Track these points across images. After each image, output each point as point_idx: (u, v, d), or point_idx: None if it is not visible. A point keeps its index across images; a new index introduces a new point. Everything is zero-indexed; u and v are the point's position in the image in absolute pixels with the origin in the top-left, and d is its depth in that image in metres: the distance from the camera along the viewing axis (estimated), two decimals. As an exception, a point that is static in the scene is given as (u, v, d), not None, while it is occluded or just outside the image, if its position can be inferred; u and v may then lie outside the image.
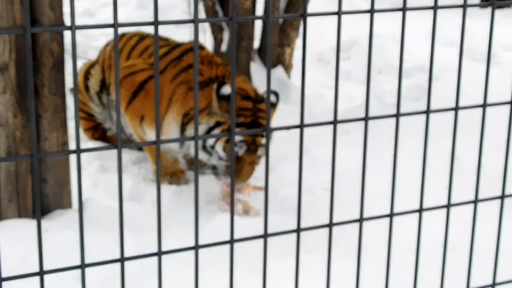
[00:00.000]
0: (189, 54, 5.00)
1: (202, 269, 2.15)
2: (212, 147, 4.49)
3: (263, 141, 4.45)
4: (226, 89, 4.38)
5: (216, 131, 4.45)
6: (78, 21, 9.71)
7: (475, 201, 2.44)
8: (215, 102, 4.43)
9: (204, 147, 4.53)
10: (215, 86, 4.43)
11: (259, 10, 7.65)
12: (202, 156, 4.60)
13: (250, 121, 4.45)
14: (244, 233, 2.39)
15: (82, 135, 5.84)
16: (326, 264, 2.24)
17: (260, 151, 4.49)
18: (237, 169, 4.48)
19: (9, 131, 3.74)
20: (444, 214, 2.40)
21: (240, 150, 4.45)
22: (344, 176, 4.63)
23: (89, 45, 8.82)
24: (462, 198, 2.53)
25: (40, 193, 3.97)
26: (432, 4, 2.11)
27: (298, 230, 2.13)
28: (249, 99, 4.51)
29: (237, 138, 4.41)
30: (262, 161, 4.62)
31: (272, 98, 4.60)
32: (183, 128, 4.67)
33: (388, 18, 6.09)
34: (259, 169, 4.63)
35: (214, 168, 4.63)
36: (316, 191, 4.75)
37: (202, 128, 4.49)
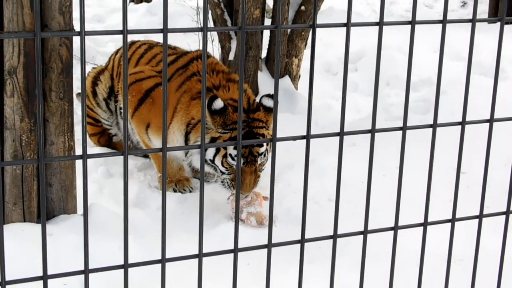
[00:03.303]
0: (195, 62, 4.99)
1: (205, 277, 2.15)
2: (212, 161, 4.48)
3: (261, 149, 4.42)
4: (218, 104, 4.32)
5: (212, 148, 4.42)
6: (87, 27, 9.73)
7: (480, 216, 2.44)
8: (208, 118, 4.36)
9: (206, 161, 4.51)
10: (206, 101, 4.34)
11: (267, 20, 7.66)
12: (207, 169, 4.60)
13: (245, 133, 4.39)
14: (249, 242, 2.39)
15: (88, 140, 5.85)
16: (330, 275, 2.24)
17: (260, 159, 4.47)
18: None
19: (16, 135, 3.75)
20: (449, 227, 2.39)
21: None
22: (350, 187, 4.63)
23: (97, 51, 8.85)
24: (468, 212, 2.53)
25: (45, 198, 3.97)
26: (441, 18, 2.12)
27: (302, 241, 2.13)
28: (242, 111, 4.43)
29: (234, 152, 4.38)
30: (268, 171, 4.62)
31: (269, 102, 4.48)
32: (186, 137, 4.66)
33: (397, 31, 6.10)
34: (264, 178, 4.63)
35: (222, 184, 4.62)
36: (321, 201, 4.74)
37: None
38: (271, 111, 4.48)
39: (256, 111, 4.48)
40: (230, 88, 4.66)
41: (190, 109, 4.66)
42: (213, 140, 4.41)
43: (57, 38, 3.72)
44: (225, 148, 4.40)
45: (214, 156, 4.45)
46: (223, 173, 4.51)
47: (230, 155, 4.40)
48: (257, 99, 4.66)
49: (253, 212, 4.50)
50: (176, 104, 4.76)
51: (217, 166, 4.47)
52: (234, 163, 4.41)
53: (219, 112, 4.33)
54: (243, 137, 4.36)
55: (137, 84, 5.00)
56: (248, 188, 4.46)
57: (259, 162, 4.46)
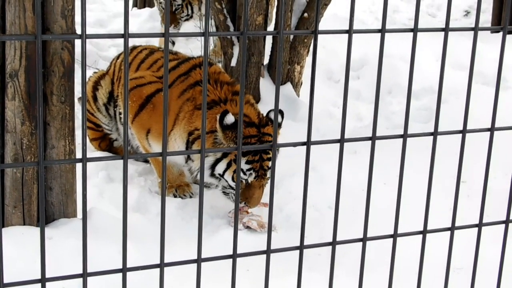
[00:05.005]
0: (197, 69, 4.97)
1: (204, 282, 2.15)
2: (221, 175, 4.48)
3: (271, 163, 4.43)
4: (229, 119, 4.31)
5: (224, 162, 4.43)
6: (89, 31, 9.73)
7: (479, 225, 2.44)
8: (220, 133, 4.37)
9: (213, 175, 4.51)
10: (218, 116, 4.35)
11: (270, 26, 7.65)
12: (212, 181, 4.60)
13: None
14: (248, 248, 2.39)
15: (89, 145, 5.85)
16: (329, 282, 2.24)
17: (268, 173, 4.48)
18: (248, 195, 4.46)
19: (17, 138, 3.75)
20: (448, 235, 2.39)
21: (250, 178, 4.42)
22: (350, 195, 4.62)
23: (99, 55, 8.85)
24: (468, 220, 2.53)
25: (45, 201, 3.97)
26: (443, 26, 2.12)
27: (301, 247, 2.13)
28: (253, 126, 4.46)
29: (246, 166, 4.39)
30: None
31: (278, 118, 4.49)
32: (188, 146, 4.65)
33: (399, 39, 6.10)
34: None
35: (225, 193, 4.63)
36: (321, 208, 4.74)
37: (209, 160, 4.44)
38: (279, 127, 4.53)
39: (266, 125, 4.50)
40: (238, 102, 4.66)
41: (194, 118, 4.65)
42: (225, 155, 4.43)
43: (59, 42, 3.72)
44: (236, 164, 4.41)
45: (224, 171, 4.45)
46: (231, 187, 4.53)
47: (242, 170, 4.39)
48: (261, 111, 4.68)
49: (253, 218, 4.52)
50: (178, 112, 4.75)
51: (227, 181, 4.49)
52: (245, 177, 4.42)
53: (231, 127, 4.33)
54: (255, 152, 4.39)
55: (137, 90, 4.99)
56: (256, 202, 4.50)
57: (267, 176, 4.48)
